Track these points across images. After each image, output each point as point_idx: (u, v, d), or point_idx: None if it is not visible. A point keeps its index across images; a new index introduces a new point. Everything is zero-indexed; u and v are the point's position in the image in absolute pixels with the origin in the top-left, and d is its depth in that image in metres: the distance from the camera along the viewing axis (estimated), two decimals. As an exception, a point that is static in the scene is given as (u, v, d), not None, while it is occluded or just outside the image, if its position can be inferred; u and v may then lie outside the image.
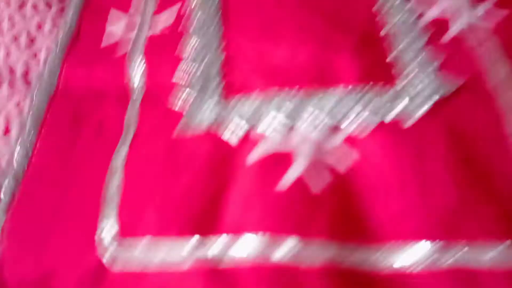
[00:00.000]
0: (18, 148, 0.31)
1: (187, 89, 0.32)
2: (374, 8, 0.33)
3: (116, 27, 0.37)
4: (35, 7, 0.39)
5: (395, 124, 0.28)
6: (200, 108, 0.30)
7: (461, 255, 0.24)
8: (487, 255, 0.24)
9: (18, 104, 0.35)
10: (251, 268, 0.25)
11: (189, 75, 0.32)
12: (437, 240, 0.24)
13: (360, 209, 0.27)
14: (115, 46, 0.35)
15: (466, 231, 0.25)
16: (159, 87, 0.33)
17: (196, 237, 0.26)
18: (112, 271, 0.26)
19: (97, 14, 0.38)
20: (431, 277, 0.24)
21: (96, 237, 0.27)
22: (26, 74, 0.36)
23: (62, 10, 0.40)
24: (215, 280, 0.25)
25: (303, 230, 0.25)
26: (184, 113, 0.31)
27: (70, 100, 0.33)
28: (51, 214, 0.28)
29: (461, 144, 0.27)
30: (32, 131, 0.32)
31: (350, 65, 0.31)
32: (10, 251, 0.27)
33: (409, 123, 0.28)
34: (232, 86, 0.31)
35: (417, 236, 0.25)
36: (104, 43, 0.36)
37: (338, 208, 0.26)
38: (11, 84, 0.36)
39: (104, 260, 0.26)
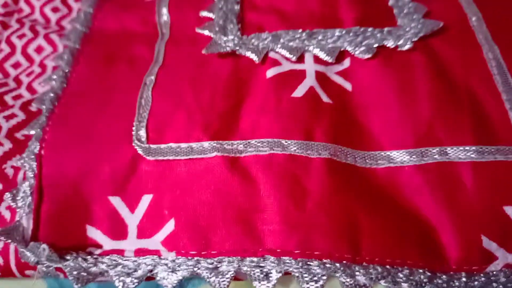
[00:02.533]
0: (55, 73, 0.35)
1: (212, 22, 0.37)
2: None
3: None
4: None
5: (388, 53, 0.34)
6: (224, 35, 0.36)
7: (440, 157, 0.29)
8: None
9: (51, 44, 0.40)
10: (267, 156, 0.29)
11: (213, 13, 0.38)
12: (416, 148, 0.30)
13: (358, 120, 0.32)
14: None
15: (441, 139, 0.30)
16: (186, 22, 0.38)
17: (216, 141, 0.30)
18: (147, 159, 0.30)
19: None
20: (418, 168, 0.29)
21: (133, 134, 0.31)
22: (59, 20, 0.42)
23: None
24: (234, 165, 0.29)
25: (311, 130, 0.30)
26: (212, 36, 0.36)
27: (103, 37, 0.38)
28: (89, 118, 0.32)
29: (442, 68, 0.33)
30: (69, 61, 0.36)
31: (352, 10, 0.37)
32: (51, 149, 0.31)
33: (400, 50, 0.34)
34: (249, 26, 0.37)
35: (399, 145, 0.30)
36: None
37: (341, 117, 0.32)
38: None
39: (140, 151, 0.30)
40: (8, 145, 0.32)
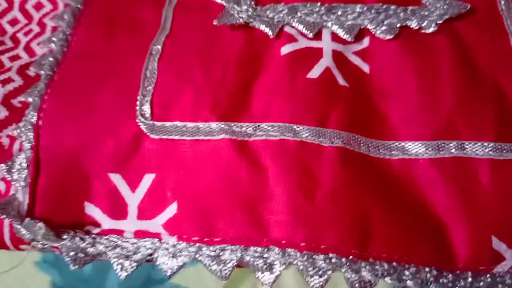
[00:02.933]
0: (55, 35, 0.33)
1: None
2: None
3: None
4: None
5: (410, 34, 0.32)
6: (237, 5, 0.33)
7: (457, 151, 0.28)
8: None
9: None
10: (277, 141, 0.28)
11: None
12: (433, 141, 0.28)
13: (375, 106, 0.30)
14: None
15: (460, 132, 0.28)
16: None
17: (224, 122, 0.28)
18: (150, 137, 0.28)
19: None
20: (434, 162, 0.28)
21: (136, 109, 0.29)
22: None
23: None
24: (243, 149, 0.28)
25: (325, 116, 0.29)
26: (224, 4, 0.33)
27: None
28: (91, 87, 0.30)
29: (466, 55, 0.31)
30: (70, 22, 0.33)
31: None
32: (50, 119, 0.29)
33: (423, 32, 0.32)
34: None
35: (415, 136, 0.28)
36: None
37: (357, 101, 0.30)
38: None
39: (143, 127, 0.28)
40: (4, 113, 0.30)
